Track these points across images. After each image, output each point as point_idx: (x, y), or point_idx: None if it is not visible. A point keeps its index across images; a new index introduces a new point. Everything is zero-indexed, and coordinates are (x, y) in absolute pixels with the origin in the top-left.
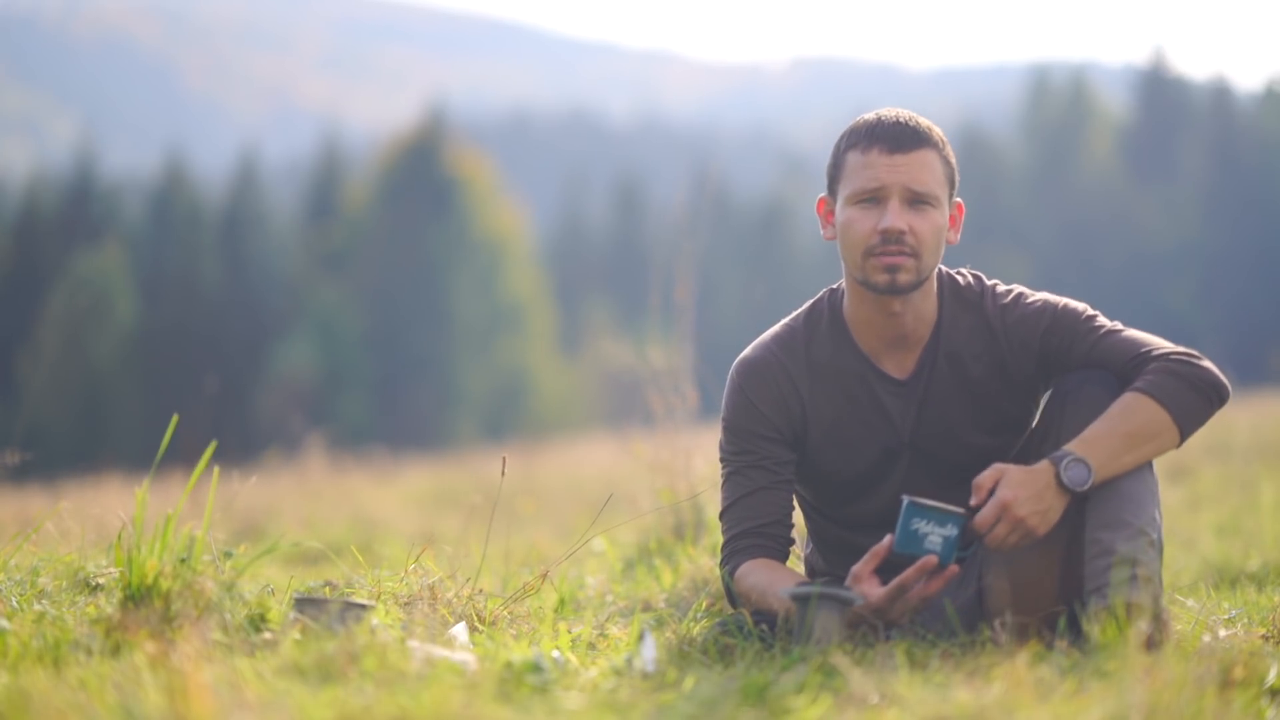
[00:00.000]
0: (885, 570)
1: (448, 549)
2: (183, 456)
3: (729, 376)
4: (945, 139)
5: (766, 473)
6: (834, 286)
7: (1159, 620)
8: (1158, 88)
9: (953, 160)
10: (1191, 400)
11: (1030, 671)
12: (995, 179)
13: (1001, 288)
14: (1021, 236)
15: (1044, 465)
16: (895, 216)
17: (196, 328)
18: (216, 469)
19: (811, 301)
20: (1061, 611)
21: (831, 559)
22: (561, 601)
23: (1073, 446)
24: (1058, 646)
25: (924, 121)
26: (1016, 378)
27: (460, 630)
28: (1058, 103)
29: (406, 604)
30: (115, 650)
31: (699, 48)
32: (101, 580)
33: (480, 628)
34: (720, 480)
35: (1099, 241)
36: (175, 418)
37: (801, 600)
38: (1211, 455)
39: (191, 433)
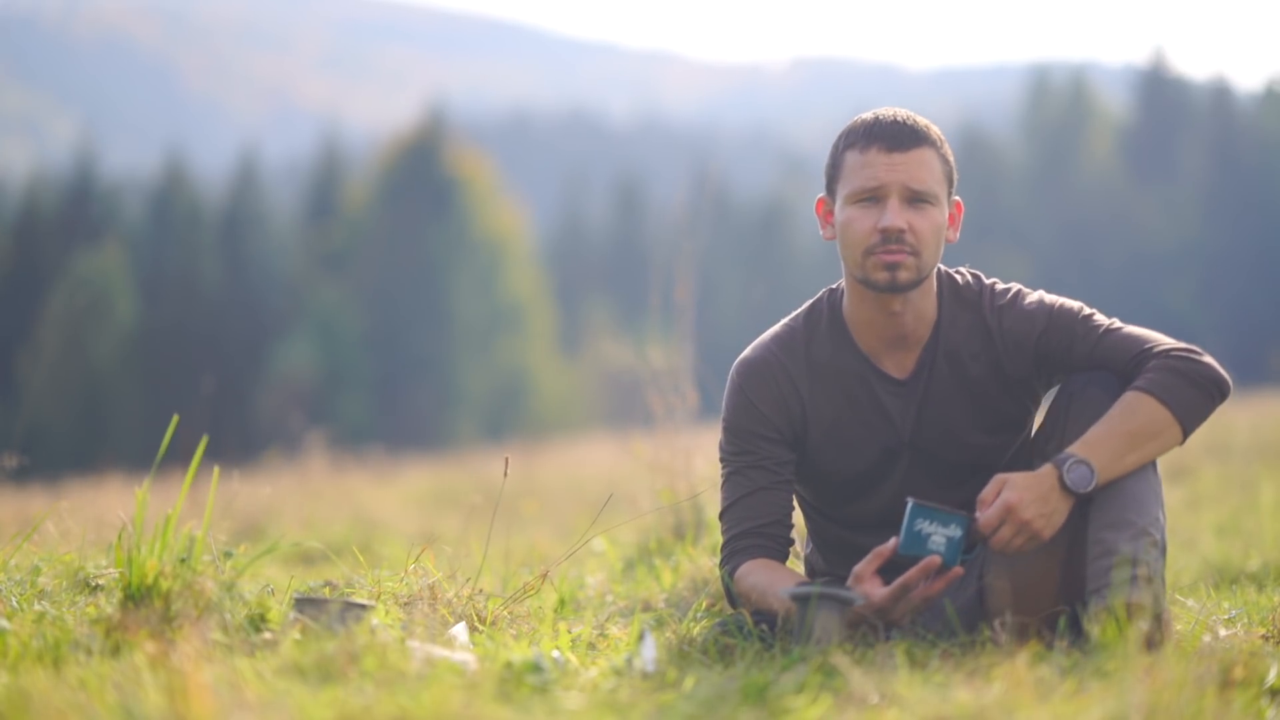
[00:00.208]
0: (887, 571)
1: (448, 549)
2: (183, 457)
3: (729, 376)
4: (943, 137)
5: (766, 473)
6: (833, 286)
7: (1160, 620)
8: (1158, 88)
9: (951, 158)
10: (1192, 397)
11: (1030, 671)
12: (995, 179)
13: (1000, 287)
14: (1021, 236)
15: (1047, 469)
16: (895, 215)
17: (196, 328)
18: (217, 469)
19: (811, 301)
20: (1063, 612)
21: (832, 559)
22: (561, 601)
23: (1075, 449)
24: (1058, 646)
25: (922, 120)
26: (1013, 378)
27: (460, 630)
28: (1058, 103)
29: (406, 604)
30: (115, 650)
31: (699, 48)
32: (101, 580)
33: (480, 628)
34: (720, 480)
35: (1099, 241)
36: (175, 418)
37: (801, 600)
38: (1211, 455)
39: (191, 433)
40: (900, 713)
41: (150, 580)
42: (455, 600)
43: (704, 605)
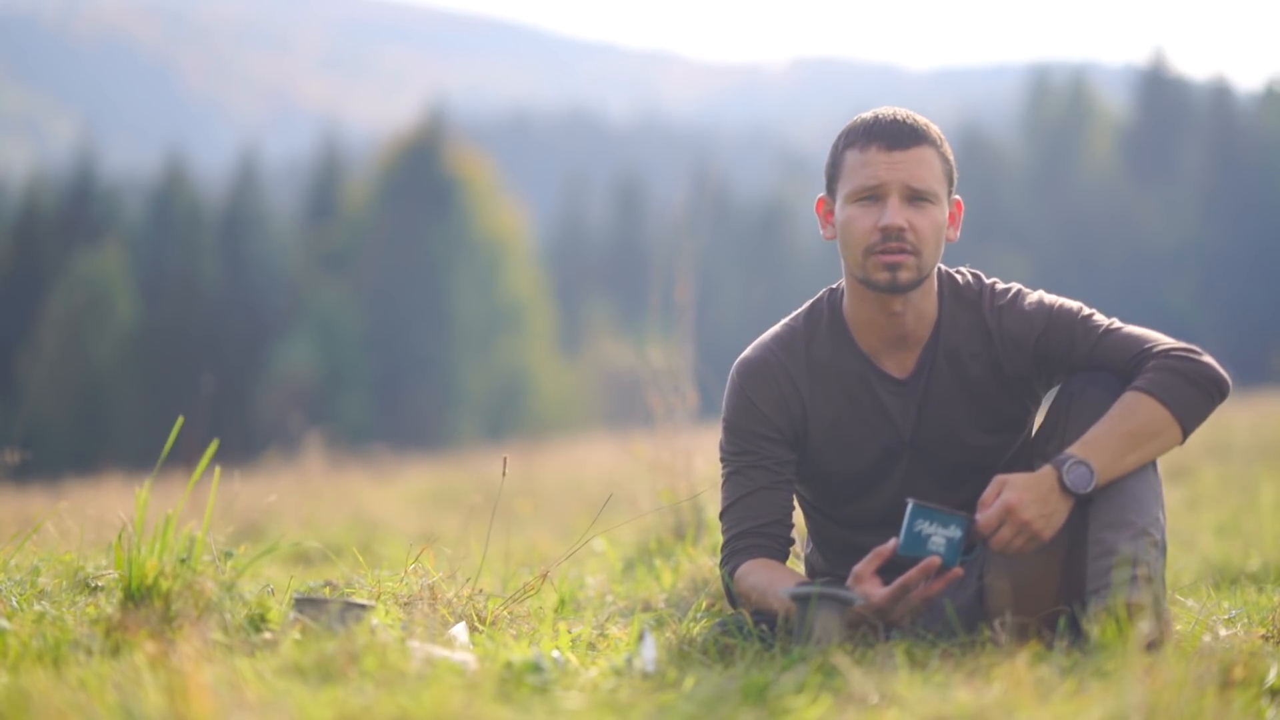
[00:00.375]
0: (887, 571)
1: (447, 549)
2: (183, 456)
3: (729, 377)
4: (943, 136)
5: (767, 473)
6: (834, 286)
7: (1160, 620)
8: (1158, 88)
9: (951, 157)
10: (1192, 396)
11: (1030, 671)
12: (995, 179)
13: (1000, 287)
14: (1021, 236)
15: (1047, 470)
16: (895, 214)
17: (196, 328)
18: (217, 469)
19: (811, 301)
20: (1063, 612)
21: (832, 559)
22: (561, 601)
23: (1075, 449)
24: (1058, 646)
25: (921, 119)
26: (1013, 378)
27: (460, 630)
28: (1058, 103)
29: (406, 604)
30: (115, 650)
31: (699, 48)
32: (101, 580)
33: (480, 628)
34: (720, 480)
35: (1099, 241)
36: (180, 419)
37: (801, 600)
38: (1211, 455)
39: (191, 433)
40: (900, 713)
41: (150, 580)
42: (455, 600)
43: (704, 605)
